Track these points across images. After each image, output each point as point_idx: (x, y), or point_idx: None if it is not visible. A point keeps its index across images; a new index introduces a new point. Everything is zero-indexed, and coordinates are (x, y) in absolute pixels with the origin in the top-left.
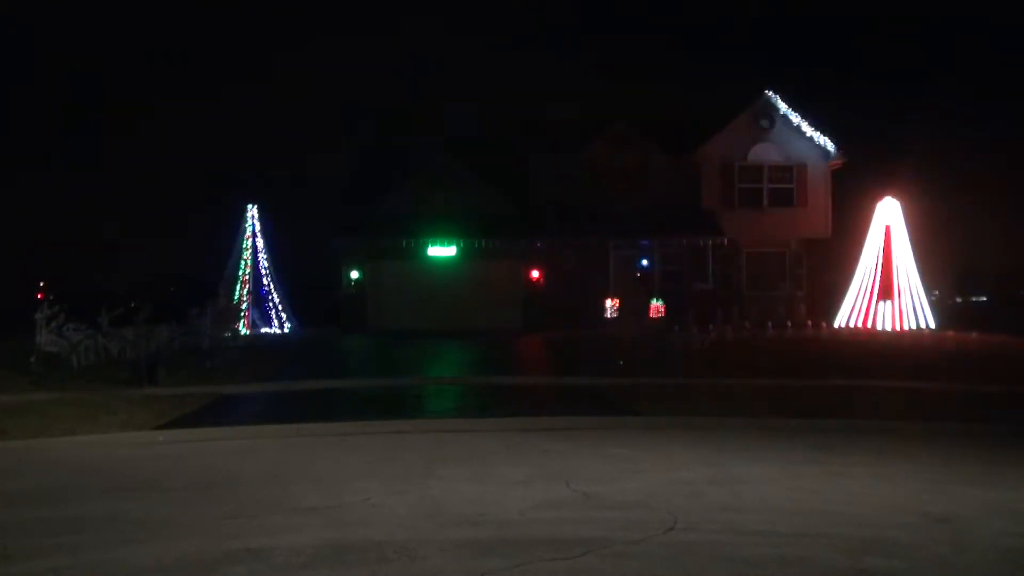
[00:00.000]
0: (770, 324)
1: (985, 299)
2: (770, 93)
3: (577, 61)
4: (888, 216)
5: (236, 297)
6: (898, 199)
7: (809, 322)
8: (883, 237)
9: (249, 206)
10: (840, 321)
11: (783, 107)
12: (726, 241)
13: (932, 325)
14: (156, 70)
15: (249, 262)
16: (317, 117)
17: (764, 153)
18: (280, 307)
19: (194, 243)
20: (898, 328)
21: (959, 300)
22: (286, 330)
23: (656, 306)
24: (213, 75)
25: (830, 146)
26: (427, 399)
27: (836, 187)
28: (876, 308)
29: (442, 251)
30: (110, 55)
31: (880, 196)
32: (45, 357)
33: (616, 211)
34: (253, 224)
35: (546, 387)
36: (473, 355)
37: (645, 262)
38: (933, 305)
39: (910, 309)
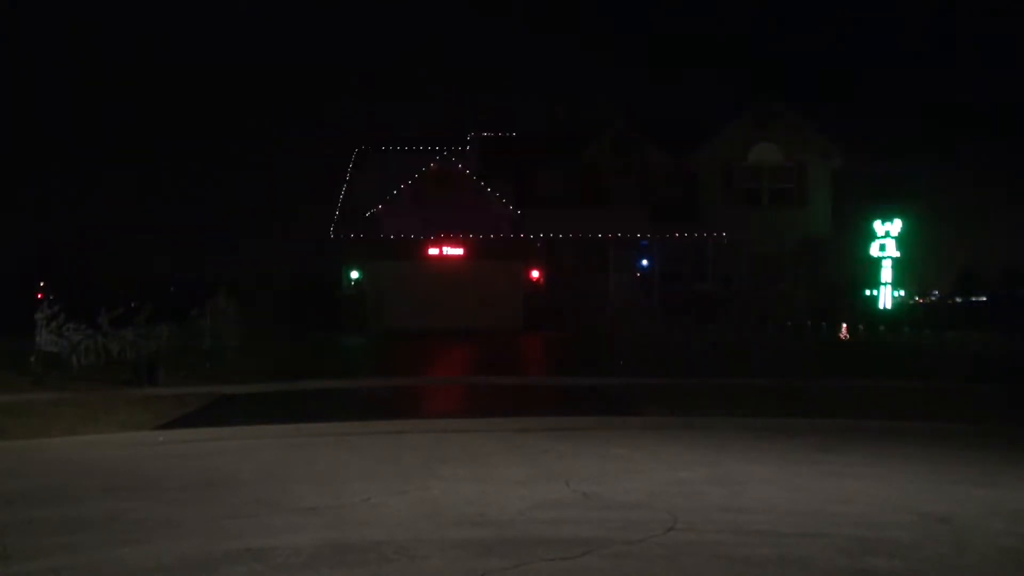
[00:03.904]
0: (770, 324)
1: (985, 299)
2: (770, 93)
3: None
4: (888, 216)
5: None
6: (898, 199)
7: (809, 322)
8: (883, 237)
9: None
10: (840, 321)
11: (783, 107)
12: (726, 241)
13: (932, 325)
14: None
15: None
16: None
17: (764, 153)
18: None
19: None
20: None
21: (959, 300)
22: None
23: (655, 306)
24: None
25: (830, 146)
26: (427, 399)
27: (836, 187)
28: (875, 308)
29: (442, 251)
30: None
31: (880, 196)
32: (45, 357)
33: (616, 211)
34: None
35: (546, 387)
36: (473, 355)
37: (645, 262)
38: (933, 305)
39: (909, 309)
